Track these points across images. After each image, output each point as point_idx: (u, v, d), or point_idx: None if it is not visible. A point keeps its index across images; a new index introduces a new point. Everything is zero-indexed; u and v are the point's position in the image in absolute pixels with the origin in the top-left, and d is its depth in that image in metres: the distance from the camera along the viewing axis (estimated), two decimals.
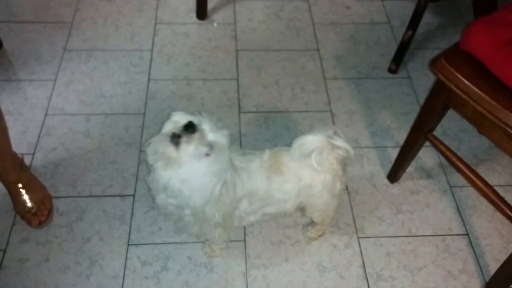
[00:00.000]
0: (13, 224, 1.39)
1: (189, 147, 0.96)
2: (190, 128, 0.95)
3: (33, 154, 1.55)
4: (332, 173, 1.14)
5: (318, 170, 1.10)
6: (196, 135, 0.96)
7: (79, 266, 1.32)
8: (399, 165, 1.49)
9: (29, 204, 1.37)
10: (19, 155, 1.42)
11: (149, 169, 1.11)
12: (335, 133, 1.11)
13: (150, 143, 1.04)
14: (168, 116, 1.05)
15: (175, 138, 0.96)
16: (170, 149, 0.96)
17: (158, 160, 1.01)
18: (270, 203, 1.16)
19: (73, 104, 1.69)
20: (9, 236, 1.37)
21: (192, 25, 2.00)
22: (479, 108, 1.08)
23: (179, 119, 1.00)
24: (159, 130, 1.60)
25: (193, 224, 1.13)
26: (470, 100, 1.09)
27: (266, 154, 1.15)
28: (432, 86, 1.23)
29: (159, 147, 0.99)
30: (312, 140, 1.08)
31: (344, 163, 1.18)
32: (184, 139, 0.96)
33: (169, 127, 1.00)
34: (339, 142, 1.10)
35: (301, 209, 1.29)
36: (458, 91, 1.10)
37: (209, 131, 0.99)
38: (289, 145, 1.14)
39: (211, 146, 0.98)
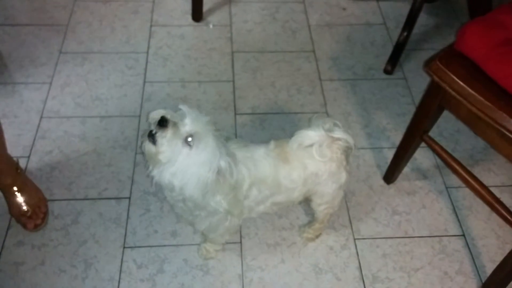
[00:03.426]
0: (8, 228, 1.39)
1: (164, 142, 0.97)
2: (163, 122, 0.97)
3: (29, 157, 1.55)
4: (337, 162, 1.16)
5: (322, 161, 1.13)
6: (169, 129, 0.97)
7: (75, 269, 1.32)
8: (395, 166, 1.49)
9: (24, 207, 1.37)
10: (14, 158, 1.41)
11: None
12: (335, 125, 1.14)
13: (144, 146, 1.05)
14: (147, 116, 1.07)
15: (151, 136, 0.98)
16: (149, 147, 0.98)
17: (149, 161, 1.02)
18: (279, 191, 1.16)
19: (68, 107, 1.69)
20: (4, 240, 1.36)
21: (187, 27, 2.00)
22: (473, 109, 1.08)
23: (154, 116, 1.00)
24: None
25: (204, 217, 1.13)
26: (465, 101, 1.09)
27: (272, 144, 1.17)
28: (427, 87, 1.23)
29: (143, 147, 1.01)
30: (311, 135, 1.11)
31: (347, 153, 1.19)
32: (158, 134, 0.97)
33: (146, 126, 1.02)
34: (338, 133, 1.13)
35: (307, 200, 1.28)
36: (453, 92, 1.10)
37: (190, 123, 1.00)
38: None
39: (191, 136, 0.99)
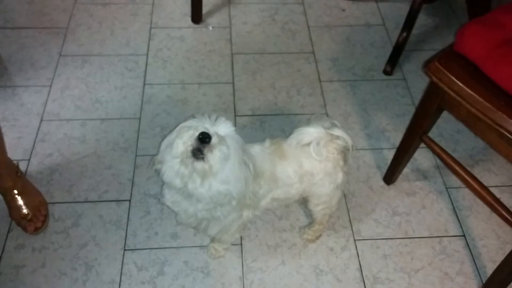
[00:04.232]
0: (8, 231, 1.39)
1: (216, 154, 0.96)
2: (206, 138, 0.95)
3: (29, 160, 1.55)
4: (333, 162, 1.17)
5: (317, 159, 1.14)
6: (215, 141, 0.96)
7: (75, 272, 1.32)
8: (395, 167, 1.49)
9: (24, 210, 1.37)
10: (15, 161, 1.41)
11: (165, 189, 1.13)
12: (333, 124, 1.16)
13: (165, 171, 1.02)
14: (174, 129, 1.04)
15: (199, 153, 0.96)
16: (201, 165, 0.96)
17: (190, 181, 1.00)
18: (276, 186, 1.17)
19: (68, 110, 1.69)
20: (4, 243, 1.36)
21: (187, 29, 2.00)
22: (473, 110, 1.08)
23: (189, 134, 0.98)
24: (155, 135, 1.62)
25: (223, 218, 1.12)
26: (464, 102, 1.09)
27: (267, 142, 1.18)
28: (426, 88, 1.23)
29: (184, 169, 0.98)
30: (310, 131, 1.12)
31: (344, 154, 1.20)
32: (206, 150, 0.96)
33: (181, 146, 0.98)
34: (337, 132, 1.15)
35: (305, 201, 1.29)
36: (452, 93, 1.11)
37: (216, 129, 1.00)
38: None
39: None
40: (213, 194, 1.01)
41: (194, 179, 0.99)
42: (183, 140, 0.98)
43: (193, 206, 1.08)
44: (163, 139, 1.07)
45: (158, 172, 1.06)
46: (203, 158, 0.96)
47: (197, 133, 0.96)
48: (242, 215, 1.17)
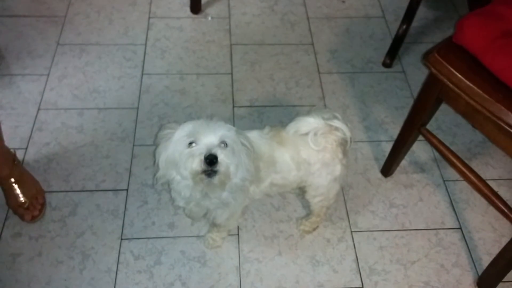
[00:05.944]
0: (5, 219, 1.39)
1: (228, 164, 1.00)
2: (213, 159, 0.97)
3: (26, 148, 1.54)
4: (331, 153, 1.17)
5: (315, 149, 1.15)
6: (222, 157, 0.98)
7: (72, 260, 1.32)
8: (392, 159, 1.49)
9: (21, 199, 1.37)
10: (12, 150, 1.41)
11: (175, 202, 1.16)
12: (334, 116, 1.16)
13: (180, 191, 1.06)
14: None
15: (211, 172, 0.98)
16: (217, 178, 1.00)
17: (210, 191, 1.05)
18: (275, 170, 1.18)
19: (66, 99, 1.68)
20: (1, 231, 1.36)
21: (186, 19, 1.99)
22: (471, 102, 1.07)
23: (195, 162, 0.98)
24: (152, 125, 1.61)
25: (234, 201, 1.14)
26: (463, 94, 1.09)
27: (266, 128, 1.20)
28: (425, 80, 1.22)
29: (202, 185, 1.01)
30: (309, 121, 1.13)
31: (343, 146, 1.20)
32: (217, 166, 0.98)
33: (191, 168, 0.99)
34: (336, 123, 1.15)
35: (303, 191, 1.29)
36: (451, 85, 1.10)
37: (213, 134, 1.01)
38: None
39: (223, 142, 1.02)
40: (234, 189, 1.06)
41: (214, 189, 1.04)
42: (189, 170, 0.99)
43: (209, 201, 1.10)
44: (156, 148, 1.08)
45: (167, 184, 1.08)
46: (217, 173, 0.99)
47: (202, 158, 0.97)
48: (247, 197, 1.19)
